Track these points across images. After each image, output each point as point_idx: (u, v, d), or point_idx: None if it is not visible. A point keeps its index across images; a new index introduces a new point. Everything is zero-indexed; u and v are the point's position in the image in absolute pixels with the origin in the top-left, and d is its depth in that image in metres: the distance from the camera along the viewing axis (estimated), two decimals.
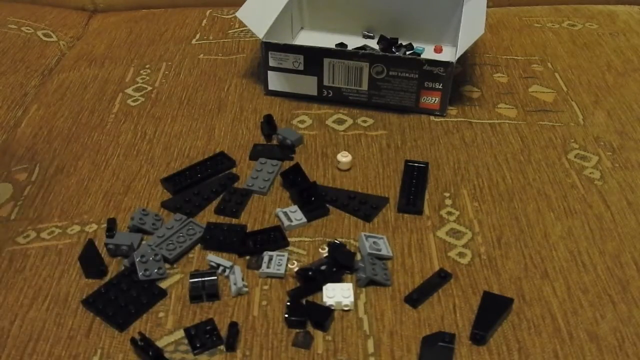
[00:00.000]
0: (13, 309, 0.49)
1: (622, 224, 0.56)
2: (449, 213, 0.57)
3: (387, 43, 0.80)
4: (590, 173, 0.62)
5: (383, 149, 0.65)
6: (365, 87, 0.69)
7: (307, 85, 0.70)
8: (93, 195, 0.59)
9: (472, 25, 0.68)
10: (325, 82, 0.69)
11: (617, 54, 0.81)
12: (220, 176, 0.61)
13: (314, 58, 0.68)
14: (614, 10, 0.92)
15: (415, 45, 0.80)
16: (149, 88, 0.75)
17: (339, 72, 0.68)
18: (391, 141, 0.66)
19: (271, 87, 0.72)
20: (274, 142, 0.66)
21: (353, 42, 0.81)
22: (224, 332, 0.46)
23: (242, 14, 0.69)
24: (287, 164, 0.62)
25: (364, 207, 0.57)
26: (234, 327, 0.46)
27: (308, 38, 0.83)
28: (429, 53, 0.79)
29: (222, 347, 0.46)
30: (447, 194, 0.59)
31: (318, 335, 0.47)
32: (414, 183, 0.59)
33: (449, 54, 0.79)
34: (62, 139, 0.66)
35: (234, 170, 0.62)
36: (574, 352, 0.46)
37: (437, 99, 0.68)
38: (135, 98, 0.73)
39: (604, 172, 0.62)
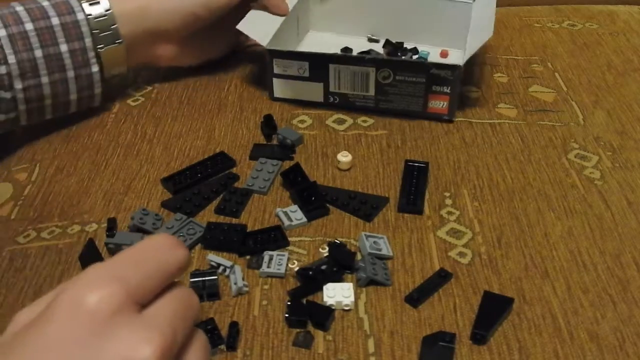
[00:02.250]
0: (13, 308, 0.49)
1: (622, 223, 0.56)
2: (449, 213, 0.57)
3: (393, 47, 0.80)
4: (590, 173, 0.62)
5: (383, 148, 0.65)
6: (372, 92, 0.68)
7: (313, 91, 0.69)
8: (93, 195, 0.59)
9: (480, 27, 0.68)
10: (332, 89, 0.69)
11: (617, 54, 0.82)
12: (220, 176, 0.61)
13: (319, 64, 0.68)
14: (614, 10, 0.92)
15: (420, 49, 0.79)
16: (149, 88, 0.75)
17: (345, 77, 0.67)
18: (391, 141, 0.66)
19: (277, 94, 0.71)
20: (274, 142, 0.66)
21: (359, 45, 0.80)
22: (224, 332, 0.46)
23: (242, 26, 0.68)
24: (287, 164, 0.62)
25: (364, 206, 0.57)
26: (234, 326, 0.46)
27: (315, 41, 0.82)
28: (434, 57, 0.79)
29: (222, 346, 0.46)
30: (447, 194, 0.59)
31: (318, 334, 0.47)
32: (414, 183, 0.59)
33: (455, 58, 0.78)
34: (62, 139, 0.66)
35: (234, 170, 0.62)
36: (575, 352, 0.46)
37: (445, 103, 0.67)
38: (135, 98, 0.73)
39: (604, 172, 0.62)
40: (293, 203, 0.58)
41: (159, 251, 0.32)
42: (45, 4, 0.61)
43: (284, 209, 0.57)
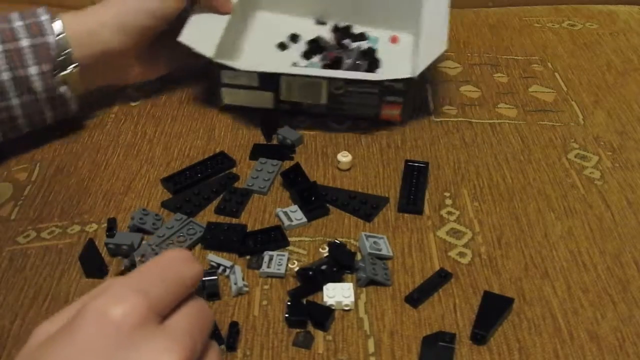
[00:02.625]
0: (13, 308, 0.49)
1: (622, 223, 0.56)
2: (449, 213, 0.57)
3: (341, 33, 0.78)
4: (590, 173, 0.62)
5: (383, 148, 0.65)
6: (324, 101, 0.66)
7: (264, 99, 0.67)
8: (93, 195, 0.59)
9: (432, 38, 0.65)
10: (283, 98, 0.66)
11: (617, 54, 0.81)
12: (220, 176, 0.61)
13: (268, 76, 0.65)
14: (614, 10, 0.92)
15: (370, 33, 0.77)
16: (149, 88, 0.74)
17: (296, 87, 0.65)
18: (391, 141, 0.66)
19: (226, 101, 0.68)
20: (274, 142, 0.66)
21: (307, 28, 0.78)
22: (224, 332, 0.46)
23: (185, 37, 0.65)
24: (287, 164, 0.62)
25: (364, 207, 0.57)
26: (234, 326, 0.46)
27: (262, 24, 0.79)
28: (384, 43, 0.77)
29: (222, 346, 0.46)
30: (447, 194, 0.59)
31: (318, 335, 0.47)
32: (414, 183, 0.59)
33: (406, 45, 0.76)
34: (62, 139, 0.66)
35: (234, 170, 0.62)
36: (575, 352, 0.46)
37: (397, 111, 0.66)
38: (135, 98, 0.73)
39: (604, 172, 0.62)
40: (293, 203, 0.58)
41: (176, 266, 0.34)
42: (18, 24, 0.60)
43: (284, 209, 0.57)
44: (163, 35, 0.67)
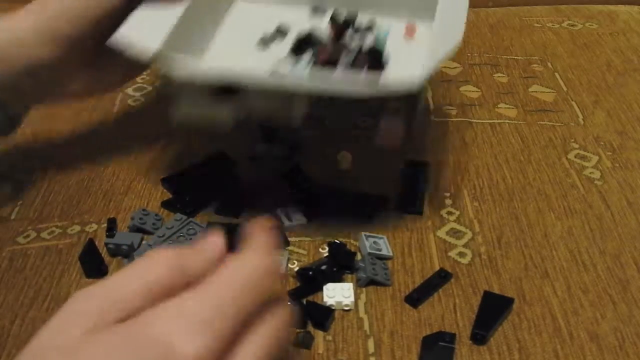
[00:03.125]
0: (13, 308, 0.49)
1: (622, 223, 0.56)
2: (449, 213, 0.57)
3: (340, 26, 0.61)
4: (590, 173, 0.62)
5: (383, 148, 0.64)
6: (298, 122, 0.53)
7: (220, 116, 0.54)
8: (93, 195, 0.59)
9: (446, 31, 0.50)
10: (240, 115, 0.54)
11: (617, 54, 0.81)
12: (220, 176, 0.61)
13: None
14: (614, 10, 0.92)
15: (380, 24, 0.61)
16: (149, 88, 0.75)
17: (257, 100, 0.52)
18: None
19: (178, 117, 0.54)
20: (274, 142, 0.66)
21: (300, 20, 0.63)
22: None
23: (122, 36, 0.49)
24: (287, 164, 0.62)
25: (364, 207, 0.57)
26: None
27: (243, 16, 0.64)
28: (397, 37, 0.60)
29: None
30: (447, 194, 0.59)
31: (318, 335, 0.47)
32: (414, 183, 0.59)
33: (423, 39, 0.60)
34: (62, 139, 0.66)
35: (234, 170, 0.62)
36: (575, 352, 0.46)
37: (397, 136, 0.56)
38: (135, 98, 0.73)
39: (604, 172, 0.62)
40: (293, 203, 0.58)
41: (259, 288, 0.30)
42: None
43: (284, 209, 0.56)
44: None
